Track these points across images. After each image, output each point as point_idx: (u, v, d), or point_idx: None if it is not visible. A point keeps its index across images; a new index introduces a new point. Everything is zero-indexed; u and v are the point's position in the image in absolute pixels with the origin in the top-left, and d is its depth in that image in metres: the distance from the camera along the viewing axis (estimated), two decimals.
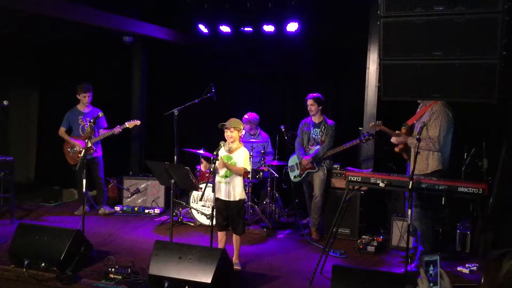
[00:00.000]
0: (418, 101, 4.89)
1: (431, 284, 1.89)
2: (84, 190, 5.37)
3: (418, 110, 4.88)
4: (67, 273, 4.27)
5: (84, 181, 5.35)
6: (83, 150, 5.42)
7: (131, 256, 4.90)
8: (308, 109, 5.96)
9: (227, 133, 4.71)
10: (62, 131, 6.65)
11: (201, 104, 6.48)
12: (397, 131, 4.83)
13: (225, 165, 4.61)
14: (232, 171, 4.66)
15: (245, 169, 4.74)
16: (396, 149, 4.90)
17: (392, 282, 3.75)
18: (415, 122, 4.82)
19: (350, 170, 4.66)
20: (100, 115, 6.17)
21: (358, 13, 6.28)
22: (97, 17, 6.45)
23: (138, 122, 6.55)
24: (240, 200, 4.72)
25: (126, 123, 6.49)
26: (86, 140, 6.25)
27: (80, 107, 6.69)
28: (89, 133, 6.39)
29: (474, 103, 4.27)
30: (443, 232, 5.43)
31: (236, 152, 4.73)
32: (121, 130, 6.50)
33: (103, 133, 6.57)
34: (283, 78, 7.60)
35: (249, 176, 6.02)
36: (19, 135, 8.44)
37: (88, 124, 6.20)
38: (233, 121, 4.72)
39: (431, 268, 1.92)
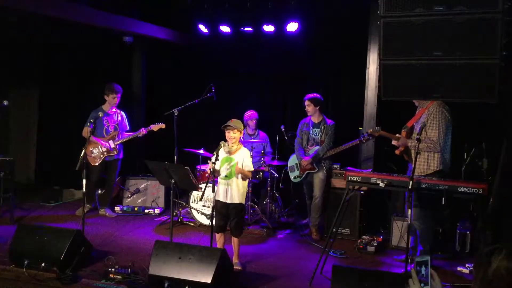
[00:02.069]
0: (416, 103, 4.90)
1: (422, 285, 1.90)
2: (84, 190, 5.37)
3: (417, 112, 4.88)
4: (67, 273, 4.28)
5: (85, 181, 5.35)
6: (83, 150, 5.41)
7: (131, 256, 4.90)
8: (305, 109, 5.97)
9: (230, 134, 4.69)
10: (86, 131, 6.43)
11: (201, 104, 6.48)
12: (397, 135, 4.83)
13: (241, 172, 4.61)
14: (245, 176, 4.68)
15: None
16: (397, 152, 4.90)
17: (392, 282, 3.75)
18: (414, 124, 4.83)
19: (350, 170, 4.66)
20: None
21: (358, 13, 6.28)
22: (97, 17, 6.45)
23: (163, 126, 6.46)
24: (239, 203, 4.72)
25: (151, 125, 6.46)
26: (110, 141, 6.27)
27: (105, 107, 6.57)
28: (113, 134, 6.40)
29: (474, 103, 4.27)
30: (443, 232, 5.43)
31: (237, 153, 4.72)
32: (146, 133, 6.47)
33: (127, 136, 6.56)
34: (283, 78, 7.59)
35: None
36: (19, 135, 8.45)
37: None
38: (235, 122, 4.72)
39: (423, 268, 1.93)
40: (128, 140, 6.62)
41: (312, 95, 5.95)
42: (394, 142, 4.86)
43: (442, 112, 4.58)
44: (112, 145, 6.48)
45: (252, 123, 6.63)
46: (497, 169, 4.74)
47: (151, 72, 8.10)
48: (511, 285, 1.63)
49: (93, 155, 6.48)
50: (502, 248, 1.69)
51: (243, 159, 4.69)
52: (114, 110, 6.62)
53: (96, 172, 6.55)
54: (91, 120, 6.32)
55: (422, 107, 4.79)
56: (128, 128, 6.74)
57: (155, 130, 6.48)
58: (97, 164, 6.48)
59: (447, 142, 4.64)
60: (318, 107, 5.93)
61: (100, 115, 6.16)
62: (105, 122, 6.52)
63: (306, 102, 5.94)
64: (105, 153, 6.49)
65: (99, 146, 6.47)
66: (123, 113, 6.72)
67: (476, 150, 5.44)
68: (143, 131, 6.44)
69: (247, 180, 4.86)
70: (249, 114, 6.63)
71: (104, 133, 6.52)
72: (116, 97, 6.54)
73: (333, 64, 7.11)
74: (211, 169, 4.45)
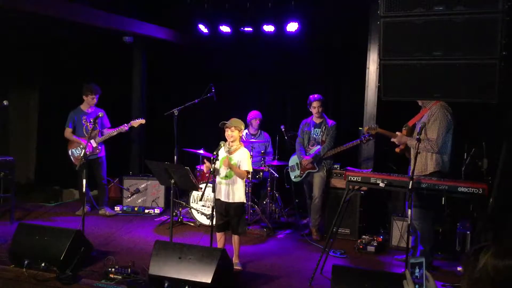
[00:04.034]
0: (419, 103, 4.89)
1: (417, 286, 1.90)
2: (84, 190, 5.37)
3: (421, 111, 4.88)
4: (67, 273, 4.27)
5: (84, 181, 5.35)
6: (83, 150, 5.42)
7: (131, 256, 4.90)
8: (315, 110, 5.91)
9: (228, 132, 4.69)
10: (68, 132, 6.54)
11: (201, 104, 6.48)
12: (397, 132, 4.83)
13: (229, 166, 4.60)
14: (235, 173, 4.66)
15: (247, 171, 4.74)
16: (397, 150, 4.90)
17: (392, 282, 3.75)
18: (416, 122, 4.83)
19: (350, 170, 4.66)
20: (100, 115, 6.17)
21: (358, 13, 6.28)
22: (97, 17, 6.45)
23: (143, 121, 6.53)
24: (240, 202, 4.72)
25: (131, 122, 6.49)
26: (91, 140, 6.26)
27: (83, 107, 6.63)
28: (94, 133, 6.40)
29: (474, 103, 4.27)
30: (443, 232, 5.43)
31: (236, 153, 4.71)
32: (128, 129, 6.51)
33: (108, 132, 6.57)
34: (283, 78, 7.59)
35: (249, 176, 6.02)
36: (19, 135, 8.44)
37: (93, 125, 6.17)
38: (234, 121, 4.71)
39: (417, 270, 1.93)
40: (110, 137, 6.58)
41: (319, 95, 5.93)
42: (393, 140, 4.86)
43: (444, 113, 4.57)
44: (94, 144, 6.48)
45: (255, 122, 6.63)
46: (497, 169, 4.74)
47: (151, 72, 8.11)
48: (497, 283, 1.63)
49: (75, 155, 6.52)
50: (490, 246, 1.69)
51: (241, 158, 4.69)
52: (92, 109, 6.64)
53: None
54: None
55: (425, 107, 4.78)
56: (109, 125, 6.74)
57: (135, 126, 6.51)
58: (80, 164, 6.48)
59: (447, 144, 4.63)
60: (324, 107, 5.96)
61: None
62: (84, 121, 6.56)
63: (318, 103, 5.88)
64: (87, 153, 6.49)
65: (81, 146, 6.47)
66: (102, 111, 6.71)
67: (476, 150, 5.44)
68: (125, 127, 6.45)
69: (244, 179, 4.84)
70: (253, 113, 6.63)
71: (84, 133, 6.54)
72: (94, 98, 6.58)
73: (333, 64, 7.11)
74: (212, 169, 4.45)
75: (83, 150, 5.41)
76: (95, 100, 6.60)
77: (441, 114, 4.56)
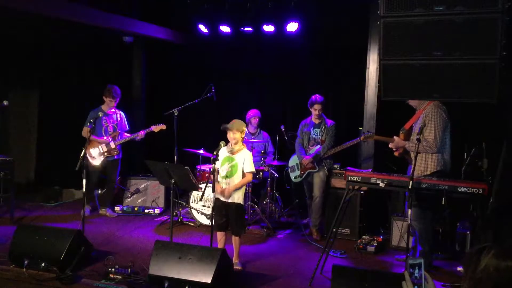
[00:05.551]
0: (413, 105, 4.89)
1: (416, 287, 1.90)
2: (84, 189, 5.37)
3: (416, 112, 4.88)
4: (67, 273, 4.28)
5: (85, 181, 5.35)
6: (83, 150, 5.41)
7: (131, 256, 4.90)
8: (316, 112, 5.91)
9: (230, 135, 4.70)
10: (86, 131, 6.32)
11: (201, 104, 6.48)
12: (394, 137, 4.83)
13: (231, 190, 4.61)
14: (242, 184, 4.68)
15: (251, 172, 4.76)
16: (396, 153, 4.90)
17: (392, 282, 3.74)
18: (413, 124, 4.83)
19: (350, 170, 4.66)
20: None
21: (358, 13, 6.28)
22: (97, 17, 6.44)
23: (163, 127, 6.47)
24: (239, 202, 4.73)
25: (151, 127, 6.47)
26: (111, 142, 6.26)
27: (104, 107, 6.58)
28: (114, 134, 6.42)
29: (474, 103, 4.27)
30: (443, 232, 5.43)
31: (239, 154, 4.73)
32: (144, 136, 6.49)
33: (126, 136, 6.58)
34: (283, 78, 7.59)
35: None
36: (19, 135, 8.44)
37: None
38: (236, 123, 4.72)
39: (416, 270, 1.93)
40: (128, 141, 6.62)
41: (322, 98, 5.91)
42: (390, 145, 4.88)
43: (438, 113, 4.57)
44: (113, 146, 6.49)
45: (254, 121, 6.62)
46: (497, 169, 4.74)
47: (151, 72, 8.11)
48: (499, 284, 1.63)
49: (93, 155, 6.48)
50: (492, 247, 1.69)
51: (244, 160, 4.70)
52: (113, 110, 6.63)
53: (96, 173, 6.56)
54: (91, 120, 6.32)
55: (419, 109, 4.79)
56: (127, 128, 6.74)
57: (155, 131, 6.48)
58: (97, 164, 6.48)
59: (445, 142, 4.63)
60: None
61: (100, 115, 6.15)
62: (104, 122, 6.52)
63: (319, 106, 5.87)
64: (105, 154, 6.49)
65: (99, 147, 6.47)
66: (122, 113, 6.72)
67: (476, 150, 5.44)
68: (141, 134, 6.44)
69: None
70: (252, 112, 6.63)
71: (103, 133, 6.51)
72: (113, 101, 6.56)
73: (333, 64, 7.11)
74: (212, 169, 4.45)
75: (84, 150, 5.39)
76: (114, 103, 6.58)
77: (435, 113, 4.57)
